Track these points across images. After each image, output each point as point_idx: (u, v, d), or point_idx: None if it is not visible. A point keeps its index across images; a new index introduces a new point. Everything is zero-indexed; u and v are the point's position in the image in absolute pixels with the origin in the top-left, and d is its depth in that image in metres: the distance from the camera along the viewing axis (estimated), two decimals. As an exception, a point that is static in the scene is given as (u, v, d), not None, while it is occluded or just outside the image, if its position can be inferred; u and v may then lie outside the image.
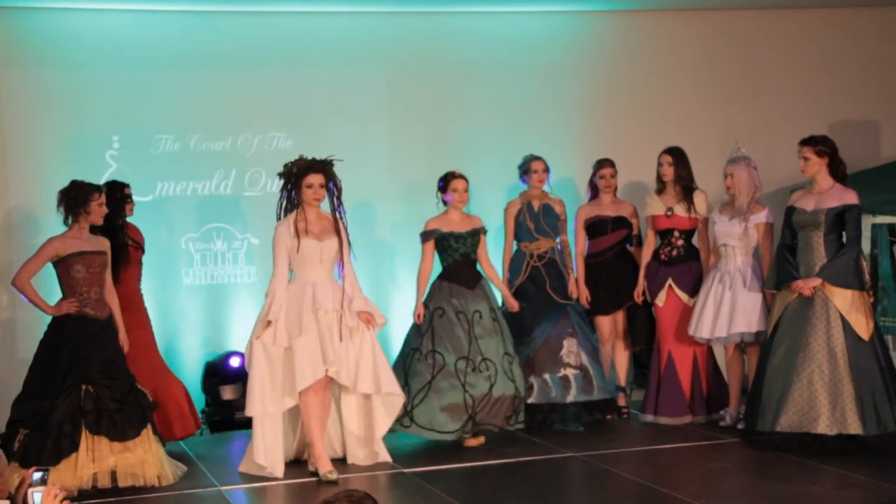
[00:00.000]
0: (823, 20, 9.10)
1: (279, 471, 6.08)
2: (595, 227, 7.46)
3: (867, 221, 7.24)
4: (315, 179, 6.07)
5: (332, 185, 6.15)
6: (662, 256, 7.18)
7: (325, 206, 6.31)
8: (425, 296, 6.92)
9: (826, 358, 6.21)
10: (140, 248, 6.83)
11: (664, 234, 7.19)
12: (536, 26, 8.72)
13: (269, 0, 8.05)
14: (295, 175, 6.10)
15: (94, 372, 5.89)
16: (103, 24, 7.89)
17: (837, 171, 6.46)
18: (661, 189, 7.26)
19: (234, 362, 7.70)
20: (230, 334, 8.06)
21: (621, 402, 7.52)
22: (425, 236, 6.93)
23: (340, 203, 6.18)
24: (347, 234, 6.18)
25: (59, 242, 6.04)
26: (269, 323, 5.99)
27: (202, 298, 8.10)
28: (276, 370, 6.05)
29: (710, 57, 8.94)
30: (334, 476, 5.93)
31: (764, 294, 6.80)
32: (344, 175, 8.51)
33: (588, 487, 5.80)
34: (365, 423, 6.35)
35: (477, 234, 6.99)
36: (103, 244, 6.19)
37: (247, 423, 7.71)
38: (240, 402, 7.36)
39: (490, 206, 8.30)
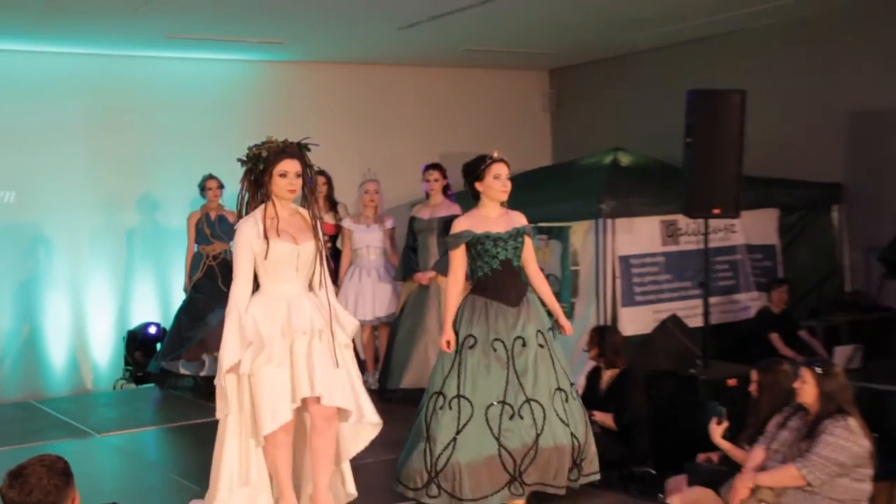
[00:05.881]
0: (438, 76, 10.62)
1: None
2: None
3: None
4: (290, 167, 4.58)
5: (309, 175, 4.69)
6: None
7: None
8: (455, 317, 5.19)
9: (437, 331, 6.88)
10: None
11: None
12: (213, 71, 9.52)
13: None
14: (264, 161, 4.59)
15: None
16: None
17: (446, 190, 7.67)
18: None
19: None
20: None
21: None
22: (455, 241, 5.22)
23: (315, 197, 4.73)
24: (324, 234, 4.79)
25: None
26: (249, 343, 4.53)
27: None
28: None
29: (356, 101, 10.17)
30: None
31: (394, 284, 7.84)
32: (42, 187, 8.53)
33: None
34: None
35: (520, 235, 5.24)
36: None
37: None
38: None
39: (175, 216, 9.15)
